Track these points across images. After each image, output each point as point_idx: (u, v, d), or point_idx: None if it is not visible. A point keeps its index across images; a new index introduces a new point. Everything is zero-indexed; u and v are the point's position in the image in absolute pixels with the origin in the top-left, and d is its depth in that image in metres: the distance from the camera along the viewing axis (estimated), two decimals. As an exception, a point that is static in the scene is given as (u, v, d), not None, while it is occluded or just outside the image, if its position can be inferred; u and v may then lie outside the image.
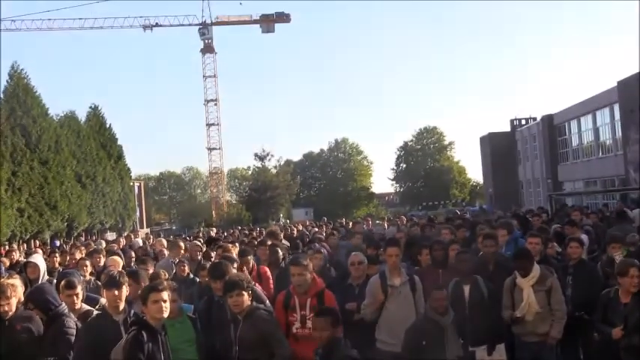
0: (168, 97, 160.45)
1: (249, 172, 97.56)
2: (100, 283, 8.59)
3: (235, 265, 8.40)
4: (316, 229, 21.73)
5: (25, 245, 25.31)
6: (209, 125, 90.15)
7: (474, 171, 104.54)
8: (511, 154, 59.94)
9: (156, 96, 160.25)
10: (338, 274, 9.49)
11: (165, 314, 5.78)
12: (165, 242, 14.10)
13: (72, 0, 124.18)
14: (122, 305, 6.32)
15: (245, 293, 6.27)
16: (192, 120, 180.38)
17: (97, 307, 7.04)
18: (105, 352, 5.79)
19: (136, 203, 67.28)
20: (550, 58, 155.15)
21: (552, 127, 49.43)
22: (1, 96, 42.25)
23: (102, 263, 10.85)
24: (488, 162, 63.81)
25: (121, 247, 16.46)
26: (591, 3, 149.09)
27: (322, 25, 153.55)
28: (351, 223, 20.98)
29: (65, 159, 44.41)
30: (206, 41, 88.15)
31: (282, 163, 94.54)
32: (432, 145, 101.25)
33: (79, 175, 46.61)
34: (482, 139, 65.82)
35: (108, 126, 58.51)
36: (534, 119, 58.68)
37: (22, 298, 6.66)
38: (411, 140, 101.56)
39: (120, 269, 8.37)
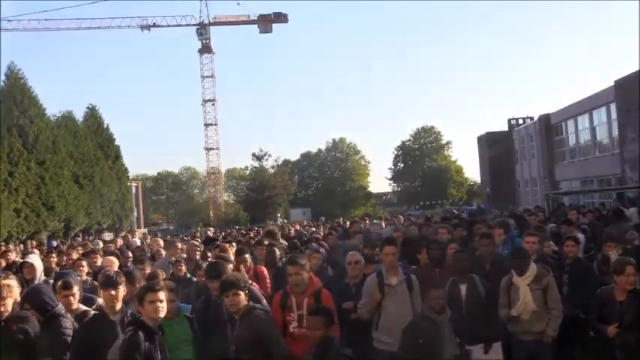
0: (166, 97, 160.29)
1: (247, 172, 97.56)
2: (96, 284, 8.60)
3: (231, 265, 8.42)
4: (314, 229, 21.76)
5: (21, 246, 25.24)
6: (207, 125, 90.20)
7: (472, 170, 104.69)
8: (508, 154, 59.96)
9: (154, 96, 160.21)
10: (335, 274, 9.51)
11: (162, 314, 5.79)
12: (162, 242, 14.11)
13: (69, 0, 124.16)
14: (119, 305, 6.33)
15: (242, 293, 6.28)
16: (190, 120, 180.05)
17: (93, 307, 7.03)
18: (102, 352, 5.79)
19: (134, 203, 67.12)
20: (547, 58, 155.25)
21: (549, 127, 49.46)
22: (-1, 96, 42.23)
23: (99, 263, 10.85)
24: (486, 161, 63.88)
25: (118, 247, 16.49)
26: (589, 3, 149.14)
27: (320, 25, 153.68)
28: (348, 223, 21.01)
29: (62, 159, 44.32)
30: (204, 41, 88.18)
31: (279, 162, 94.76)
32: (429, 145, 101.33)
33: (76, 175, 46.50)
34: (480, 139, 65.88)
35: (105, 126, 58.40)
36: (531, 119, 58.77)
37: (19, 299, 6.66)
38: (409, 140, 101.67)
39: (116, 269, 8.37)
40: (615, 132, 37.19)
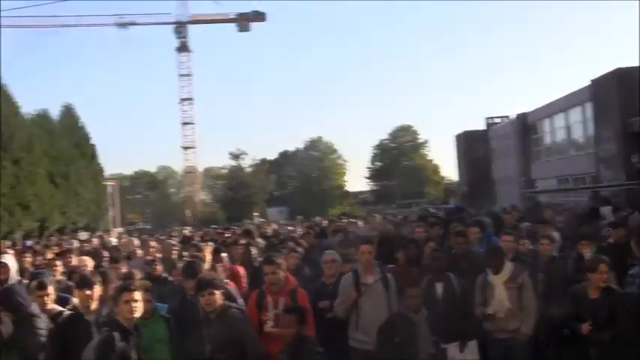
0: (143, 96, 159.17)
1: (224, 171, 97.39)
2: (71, 284, 8.54)
3: (207, 265, 8.41)
4: (290, 228, 21.76)
5: (-4, 245, 25.03)
6: (184, 124, 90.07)
7: (449, 169, 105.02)
8: (485, 153, 60.23)
9: (130, 94, 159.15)
10: (312, 273, 9.50)
11: (137, 314, 5.77)
12: (136, 242, 14.03)
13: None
14: (94, 305, 6.30)
15: (217, 292, 6.28)
16: (167, 119, 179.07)
17: (68, 307, 6.98)
18: (76, 352, 5.76)
19: (110, 203, 66.83)
20: (524, 58, 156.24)
21: (526, 126, 49.77)
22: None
23: (74, 263, 10.77)
24: (463, 160, 64.13)
25: (94, 246, 16.38)
26: (564, 3, 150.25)
27: (298, 24, 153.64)
28: (326, 222, 21.01)
29: (37, 158, 43.91)
30: (181, 40, 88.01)
31: (257, 162, 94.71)
32: (406, 144, 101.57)
33: (51, 174, 46.08)
34: (457, 137, 66.11)
35: (81, 125, 58.03)
36: (508, 117, 59.08)
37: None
38: (386, 139, 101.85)
39: (90, 269, 8.33)
40: (591, 131, 37.51)
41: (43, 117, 51.65)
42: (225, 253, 9.84)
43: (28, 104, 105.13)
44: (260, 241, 13.46)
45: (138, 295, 5.81)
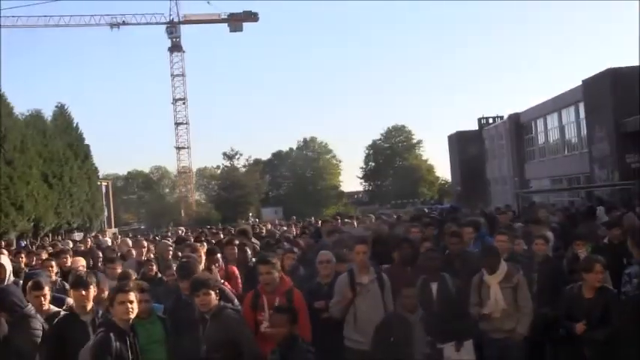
0: (136, 96, 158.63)
1: (218, 172, 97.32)
2: (66, 284, 8.54)
3: (202, 265, 8.42)
4: (285, 228, 21.74)
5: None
6: (177, 124, 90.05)
7: (443, 169, 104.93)
8: (479, 153, 60.37)
9: (123, 95, 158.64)
10: (307, 273, 9.49)
11: (132, 315, 5.77)
12: (130, 242, 14.01)
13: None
14: (90, 306, 6.30)
15: (212, 292, 6.28)
16: (161, 119, 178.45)
17: (63, 308, 6.98)
18: (72, 353, 5.76)
19: (104, 203, 66.71)
20: (517, 58, 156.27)
21: (519, 126, 49.92)
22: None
23: (68, 263, 10.77)
24: (456, 160, 64.26)
25: (89, 247, 16.36)
26: (558, 3, 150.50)
27: (290, 24, 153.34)
28: (320, 222, 20.99)
29: (31, 159, 43.82)
30: (174, 40, 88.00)
31: (251, 162, 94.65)
32: (400, 144, 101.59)
33: (45, 174, 46.01)
34: (450, 138, 66.22)
35: (75, 125, 57.95)
36: (501, 118, 59.21)
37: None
38: (380, 139, 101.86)
39: (84, 269, 8.33)
40: (584, 131, 37.64)
41: (36, 117, 51.59)
42: (219, 254, 9.83)
43: (20, 105, 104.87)
44: (256, 241, 13.44)
45: (133, 296, 5.81)
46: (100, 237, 22.79)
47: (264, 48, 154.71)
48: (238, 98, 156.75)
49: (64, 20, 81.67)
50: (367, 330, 7.35)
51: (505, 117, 55.20)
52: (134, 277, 7.86)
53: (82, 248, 15.75)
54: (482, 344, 8.00)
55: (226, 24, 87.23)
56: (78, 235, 42.94)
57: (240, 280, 9.49)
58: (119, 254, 12.19)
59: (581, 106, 37.42)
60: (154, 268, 9.64)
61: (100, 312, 6.30)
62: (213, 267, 8.96)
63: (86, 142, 59.24)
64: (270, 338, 6.37)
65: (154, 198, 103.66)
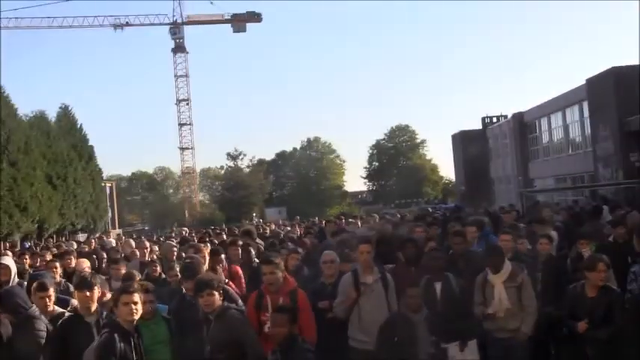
0: (140, 97, 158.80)
1: (222, 172, 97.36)
2: (70, 285, 8.55)
3: (206, 266, 8.43)
4: (289, 228, 21.75)
5: (-6, 247, 24.99)
6: (181, 125, 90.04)
7: (447, 169, 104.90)
8: (482, 152, 60.30)
9: (127, 95, 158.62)
10: (311, 273, 9.49)
11: (136, 316, 5.78)
12: (133, 243, 14.03)
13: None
14: (94, 307, 6.31)
15: (216, 293, 6.29)
16: (165, 120, 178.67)
17: (68, 309, 6.99)
18: (77, 354, 5.77)
19: (108, 204, 66.72)
20: (521, 57, 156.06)
21: (523, 125, 49.86)
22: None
23: (73, 265, 10.79)
24: (460, 160, 64.18)
25: (93, 248, 16.38)
26: (561, 3, 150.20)
27: (293, 24, 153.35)
28: (324, 222, 20.99)
29: (35, 160, 43.84)
30: (177, 40, 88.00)
31: (254, 162, 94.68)
32: (404, 144, 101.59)
33: (49, 176, 46.02)
34: (454, 137, 66.16)
35: (79, 126, 57.99)
36: (505, 117, 59.17)
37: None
38: (384, 139, 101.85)
39: (91, 271, 8.34)
40: (588, 130, 37.59)
41: (40, 118, 51.61)
42: (223, 254, 9.84)
43: (24, 106, 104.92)
44: (260, 241, 13.44)
45: (137, 297, 5.82)
46: (105, 238, 22.79)
47: (268, 48, 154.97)
48: (242, 99, 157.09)
49: (68, 21, 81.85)
50: (371, 330, 7.33)
51: (509, 116, 55.16)
52: (138, 278, 7.87)
53: (86, 249, 15.77)
54: (487, 344, 8.00)
55: (230, 24, 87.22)
56: (82, 237, 42.95)
57: (243, 280, 9.50)
58: (123, 255, 12.20)
59: (585, 105, 37.39)
60: (158, 268, 9.64)
61: (105, 313, 6.31)
62: (218, 268, 8.97)
63: (90, 143, 59.29)
64: (273, 338, 6.37)
65: (157, 199, 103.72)
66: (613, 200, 23.46)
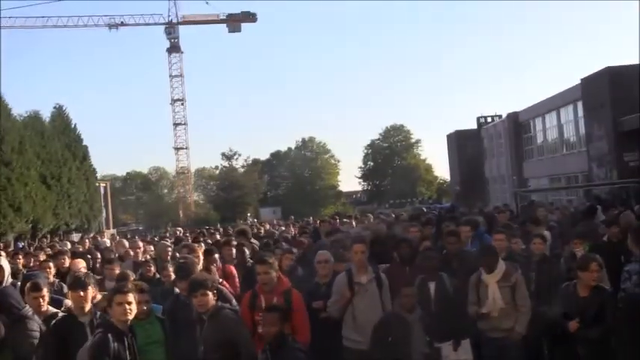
0: (135, 97, 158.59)
1: (217, 172, 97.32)
2: (64, 285, 8.54)
3: (200, 266, 8.42)
4: (283, 228, 21.74)
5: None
6: (176, 125, 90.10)
7: (441, 169, 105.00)
8: (477, 152, 60.40)
9: (122, 95, 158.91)
10: (305, 273, 9.49)
11: (130, 316, 5.78)
12: (126, 243, 14.01)
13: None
14: (88, 307, 6.29)
15: (210, 293, 6.28)
16: (159, 120, 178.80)
17: (62, 309, 6.97)
18: (71, 354, 5.76)
19: (102, 204, 66.64)
20: (515, 57, 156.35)
21: (517, 125, 49.98)
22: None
23: (66, 265, 10.77)
24: (455, 159, 64.30)
25: (87, 248, 16.34)
26: (556, 3, 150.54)
27: (288, 24, 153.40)
28: (318, 222, 20.99)
29: (29, 160, 43.75)
30: (172, 40, 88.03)
31: (249, 162, 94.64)
32: (399, 144, 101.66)
33: (43, 176, 45.93)
34: (449, 137, 66.28)
35: (73, 126, 57.89)
36: (500, 117, 59.25)
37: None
38: (378, 139, 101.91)
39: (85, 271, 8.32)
40: (582, 130, 37.67)
41: (34, 118, 51.53)
42: (217, 254, 9.83)
43: (19, 106, 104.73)
44: (255, 241, 13.43)
45: (131, 297, 5.81)
46: (99, 238, 22.73)
47: (263, 48, 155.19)
48: (237, 99, 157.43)
49: (62, 21, 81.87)
50: (365, 330, 7.35)
51: (504, 116, 55.28)
52: (132, 278, 7.86)
53: (80, 249, 15.74)
54: (480, 343, 8.02)
55: (225, 24, 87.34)
56: (76, 236, 42.86)
57: (237, 280, 9.50)
58: (117, 255, 12.18)
59: (580, 105, 37.48)
60: (152, 269, 9.63)
61: (99, 313, 6.30)
62: (212, 268, 8.97)
63: (84, 143, 59.21)
64: (263, 337, 6.37)
65: (152, 199, 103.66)
66: (607, 200, 23.51)
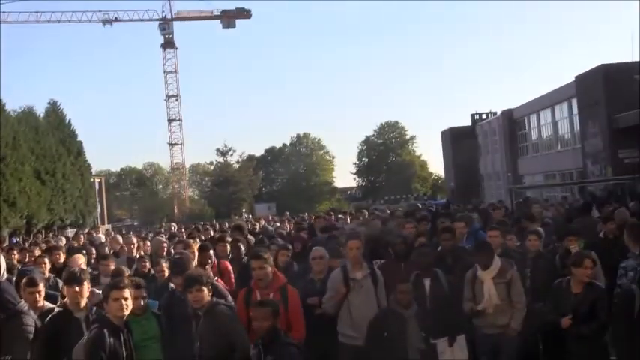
0: (129, 93, 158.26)
1: (212, 168, 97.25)
2: (59, 280, 8.53)
3: (195, 262, 8.43)
4: (278, 224, 21.76)
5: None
6: (170, 121, 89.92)
7: (436, 165, 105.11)
8: (472, 149, 60.38)
9: (116, 91, 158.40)
10: (300, 269, 9.49)
11: (126, 312, 5.77)
12: (121, 239, 14.00)
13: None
14: (84, 302, 6.29)
15: (205, 288, 6.27)
16: (154, 115, 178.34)
17: (58, 304, 6.96)
18: (66, 349, 5.75)
19: (97, 200, 66.58)
20: (510, 54, 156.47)
21: (512, 122, 49.97)
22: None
23: (62, 260, 10.76)
24: (450, 156, 64.29)
25: (81, 243, 16.34)
26: (552, 3, 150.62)
27: (282, 21, 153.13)
28: (313, 218, 21.00)
29: (23, 155, 43.71)
30: (167, 36, 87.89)
31: (244, 158, 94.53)
32: (393, 140, 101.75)
33: (37, 171, 45.92)
34: (444, 134, 66.27)
35: (67, 122, 57.81)
36: (494, 114, 59.27)
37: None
38: (373, 135, 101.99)
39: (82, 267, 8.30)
40: (577, 127, 37.70)
41: (28, 114, 51.47)
42: (212, 250, 9.82)
43: (12, 101, 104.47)
44: (251, 237, 13.44)
45: (127, 292, 5.81)
46: (94, 234, 22.74)
47: (258, 45, 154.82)
48: (231, 95, 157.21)
49: (56, 16, 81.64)
50: (361, 325, 7.36)
51: (498, 113, 55.24)
52: (127, 274, 7.85)
53: (75, 244, 15.73)
54: (476, 339, 8.03)
55: (219, 21, 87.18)
56: (71, 232, 42.82)
57: (232, 276, 9.50)
58: (112, 251, 12.18)
59: (574, 102, 37.48)
60: (147, 264, 9.62)
61: (94, 308, 6.30)
62: (207, 263, 8.98)
63: (79, 138, 59.14)
64: (255, 332, 6.38)
65: (147, 194, 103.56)
66: (601, 197, 23.55)
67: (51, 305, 6.79)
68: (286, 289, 7.22)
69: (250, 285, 7.33)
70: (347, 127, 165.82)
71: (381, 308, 7.59)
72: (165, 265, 8.64)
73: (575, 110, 37.74)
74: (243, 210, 75.46)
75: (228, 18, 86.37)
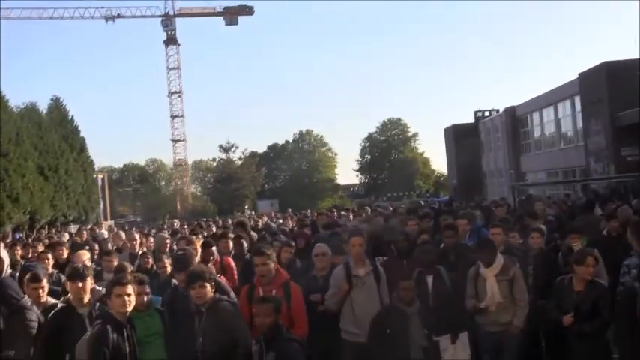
0: (132, 89, 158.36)
1: (214, 164, 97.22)
2: (62, 276, 8.54)
3: (198, 258, 8.43)
4: (280, 221, 21.75)
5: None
6: (173, 117, 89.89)
7: (439, 162, 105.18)
8: (474, 146, 60.27)
9: (119, 87, 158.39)
10: (302, 266, 9.49)
11: (129, 308, 5.79)
12: (123, 235, 14.01)
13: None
14: (87, 298, 6.30)
15: (208, 285, 6.28)
16: (156, 112, 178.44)
17: (60, 300, 6.97)
18: (69, 345, 5.77)
19: (100, 196, 66.54)
20: (513, 51, 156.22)
21: (515, 119, 49.89)
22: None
23: (65, 256, 10.77)
24: (452, 153, 64.20)
25: (84, 239, 16.35)
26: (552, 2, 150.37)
27: (285, 17, 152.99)
28: (315, 215, 21.01)
29: (26, 151, 43.66)
30: (169, 33, 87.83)
31: (247, 154, 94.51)
32: (396, 137, 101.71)
33: (40, 167, 45.85)
34: (446, 131, 66.18)
35: (70, 118, 57.80)
36: (497, 111, 59.15)
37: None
38: (376, 132, 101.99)
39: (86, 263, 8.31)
40: (579, 124, 37.64)
41: (31, 110, 51.39)
42: (214, 246, 9.82)
43: (16, 97, 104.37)
44: (254, 234, 13.44)
45: (130, 288, 5.82)
46: (97, 230, 22.74)
47: (260, 41, 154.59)
48: (234, 91, 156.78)
49: (59, 13, 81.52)
50: (364, 322, 7.37)
51: (501, 110, 55.11)
52: (130, 270, 7.86)
53: (78, 241, 15.76)
54: (478, 337, 8.04)
55: (222, 17, 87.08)
56: (74, 228, 42.80)
57: (235, 272, 9.50)
58: (115, 247, 12.19)
59: (577, 100, 37.42)
60: (150, 260, 9.63)
61: (97, 304, 6.31)
62: (209, 259, 8.98)
63: (82, 134, 59.10)
64: (257, 328, 6.40)
65: (149, 191, 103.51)
66: (604, 195, 23.53)
67: (54, 301, 6.79)
68: (289, 286, 7.23)
69: (253, 281, 7.34)
70: (349, 124, 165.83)
71: (383, 305, 7.60)
72: (167, 261, 8.64)
73: (578, 108, 37.68)
74: (246, 206, 75.46)
75: (231, 15, 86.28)
